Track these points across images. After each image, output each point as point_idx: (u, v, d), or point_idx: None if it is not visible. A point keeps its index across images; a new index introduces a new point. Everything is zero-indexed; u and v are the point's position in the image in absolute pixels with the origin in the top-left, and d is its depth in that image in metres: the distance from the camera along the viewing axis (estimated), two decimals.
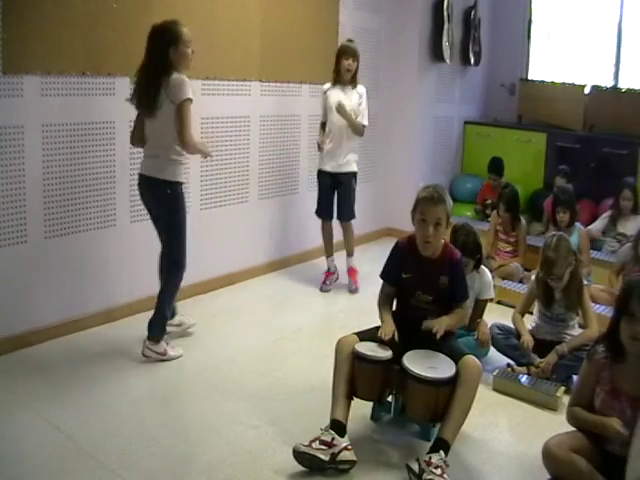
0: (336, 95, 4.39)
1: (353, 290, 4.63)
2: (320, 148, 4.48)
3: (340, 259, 4.79)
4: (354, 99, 4.41)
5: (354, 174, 4.55)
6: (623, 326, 2.24)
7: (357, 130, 4.43)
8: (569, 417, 2.44)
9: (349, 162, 4.51)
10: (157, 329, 3.35)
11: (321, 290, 4.63)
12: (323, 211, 4.63)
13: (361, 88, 4.46)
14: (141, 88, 3.19)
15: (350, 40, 4.50)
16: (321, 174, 4.58)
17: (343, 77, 4.39)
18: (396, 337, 2.68)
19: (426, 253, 2.72)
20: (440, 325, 2.64)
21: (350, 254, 4.73)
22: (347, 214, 4.61)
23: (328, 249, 4.74)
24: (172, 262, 3.37)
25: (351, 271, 4.72)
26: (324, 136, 4.48)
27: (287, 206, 5.06)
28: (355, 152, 4.58)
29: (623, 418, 2.25)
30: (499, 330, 3.50)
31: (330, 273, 4.74)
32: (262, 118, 4.70)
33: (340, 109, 4.31)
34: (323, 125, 4.54)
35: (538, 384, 3.17)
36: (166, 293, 3.39)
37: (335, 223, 4.72)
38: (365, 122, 4.45)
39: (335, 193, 4.57)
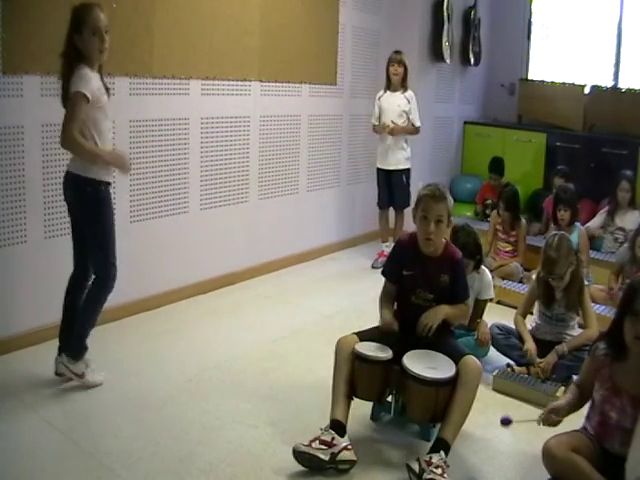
0: (386, 100, 5.06)
1: None
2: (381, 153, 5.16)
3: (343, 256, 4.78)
4: (402, 103, 5.01)
5: (405, 170, 5.14)
6: (627, 326, 2.24)
7: (413, 134, 5.13)
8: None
9: (399, 160, 5.10)
10: (75, 345, 3.00)
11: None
12: (380, 202, 5.30)
13: (409, 93, 5.06)
14: (60, 80, 2.86)
15: (397, 52, 5.09)
16: (378, 171, 5.24)
17: (392, 81, 5.03)
18: (395, 326, 2.69)
19: (427, 250, 2.72)
20: (432, 319, 2.65)
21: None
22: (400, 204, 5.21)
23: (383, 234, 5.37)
24: (98, 276, 3.00)
25: None
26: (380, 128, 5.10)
27: (287, 206, 5.06)
28: (405, 150, 5.11)
29: (623, 416, 2.25)
30: (499, 330, 3.50)
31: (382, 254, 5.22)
32: (262, 118, 4.70)
33: (394, 132, 5.00)
34: (377, 126, 5.15)
35: (538, 384, 3.17)
36: (90, 309, 3.03)
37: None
38: (417, 123, 5.09)
39: (391, 186, 5.18)
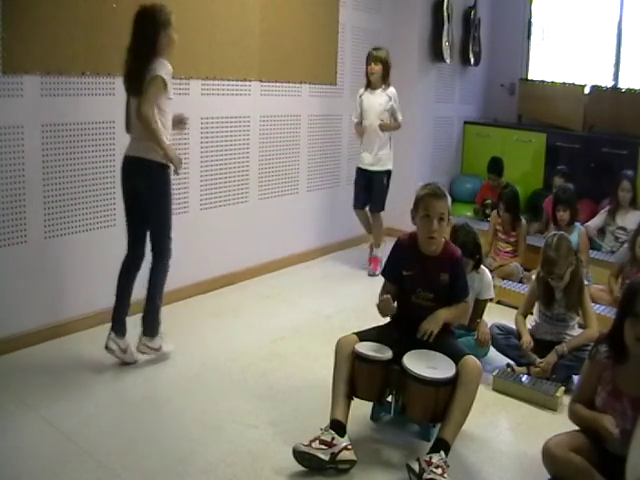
0: (367, 99, 4.90)
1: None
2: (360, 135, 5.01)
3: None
4: (383, 100, 4.85)
5: (387, 172, 5.01)
6: (627, 327, 2.23)
7: (397, 129, 5.02)
8: (570, 413, 2.44)
9: (382, 161, 4.96)
10: (152, 324, 3.29)
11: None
12: (356, 201, 5.12)
13: (391, 90, 4.89)
14: (131, 72, 3.08)
15: (376, 48, 4.91)
16: (358, 171, 5.07)
17: (370, 80, 4.87)
18: (393, 305, 2.68)
19: (430, 249, 2.72)
20: (433, 324, 2.65)
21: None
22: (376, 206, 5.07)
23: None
24: (160, 251, 3.25)
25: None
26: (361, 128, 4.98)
27: (287, 206, 5.06)
28: (389, 150, 4.99)
29: (624, 418, 2.25)
30: (499, 330, 3.50)
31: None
32: (262, 118, 4.70)
33: (382, 129, 4.88)
34: (358, 124, 5.00)
35: (538, 384, 3.17)
36: (158, 288, 3.29)
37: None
38: (400, 118, 4.95)
39: (369, 187, 5.02)
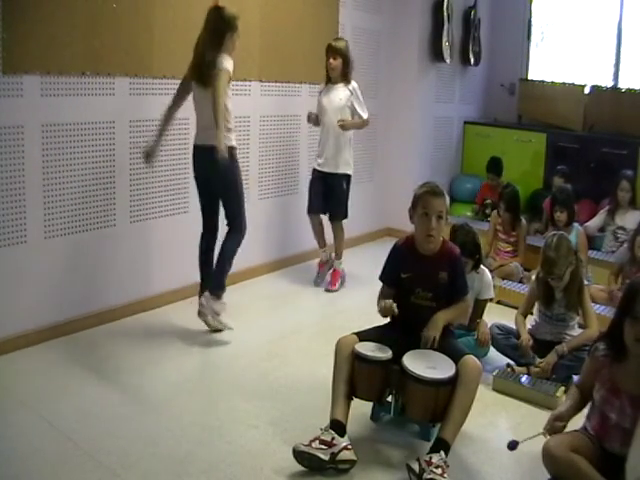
0: (326, 95, 4.50)
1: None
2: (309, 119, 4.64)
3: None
4: (343, 95, 4.46)
5: (345, 176, 4.59)
6: (627, 328, 2.23)
7: (362, 127, 4.65)
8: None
9: (340, 163, 4.55)
10: (217, 283, 3.61)
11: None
12: (311, 206, 4.68)
13: (352, 85, 4.49)
14: (202, 62, 3.43)
15: (338, 38, 4.57)
16: (313, 173, 4.66)
17: (330, 76, 4.49)
18: (395, 308, 2.67)
19: (428, 247, 2.72)
20: (434, 331, 2.65)
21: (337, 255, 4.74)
22: (336, 213, 4.66)
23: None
24: (237, 226, 3.62)
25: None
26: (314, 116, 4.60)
27: (287, 206, 5.05)
28: (348, 153, 4.58)
29: (623, 416, 2.25)
30: (499, 330, 3.50)
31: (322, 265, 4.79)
32: (262, 118, 4.70)
33: (345, 127, 4.46)
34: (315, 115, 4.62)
35: (538, 384, 3.17)
36: (228, 255, 3.63)
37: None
38: (365, 115, 4.52)
39: (327, 191, 4.60)
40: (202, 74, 3.44)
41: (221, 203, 3.66)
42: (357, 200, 5.79)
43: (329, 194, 4.58)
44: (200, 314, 3.63)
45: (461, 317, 2.97)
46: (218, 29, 3.46)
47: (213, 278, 3.65)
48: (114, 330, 3.73)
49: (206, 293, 3.60)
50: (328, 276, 4.71)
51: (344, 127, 4.44)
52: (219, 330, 3.67)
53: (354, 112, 4.50)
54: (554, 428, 2.38)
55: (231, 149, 3.47)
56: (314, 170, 4.65)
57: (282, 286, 4.68)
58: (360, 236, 5.87)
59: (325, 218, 4.72)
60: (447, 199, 2.76)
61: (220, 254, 3.64)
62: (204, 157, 3.52)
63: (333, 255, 4.74)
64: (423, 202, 2.69)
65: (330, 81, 4.52)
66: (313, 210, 4.66)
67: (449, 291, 2.76)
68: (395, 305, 2.68)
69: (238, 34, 3.53)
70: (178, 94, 3.64)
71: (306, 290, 4.62)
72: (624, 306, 2.27)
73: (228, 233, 3.64)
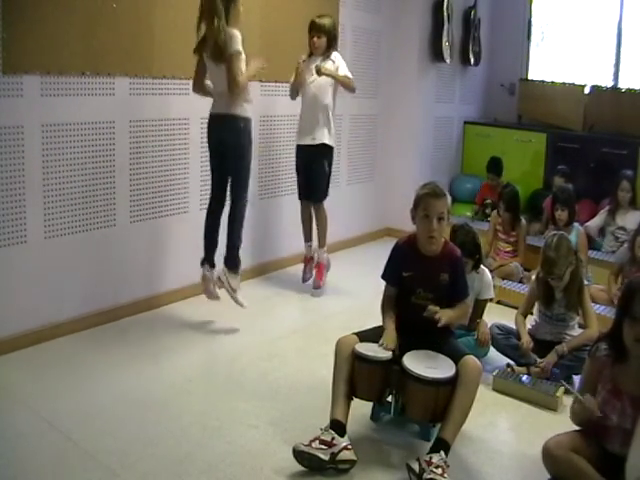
0: (307, 65, 4.25)
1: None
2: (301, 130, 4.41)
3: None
4: (328, 66, 4.24)
5: (327, 148, 4.35)
6: (626, 328, 2.23)
7: (347, 84, 4.26)
8: (571, 413, 2.43)
9: (323, 134, 4.31)
10: (234, 259, 3.74)
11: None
12: (301, 190, 4.49)
13: (334, 55, 4.30)
14: (212, 39, 3.48)
15: (322, 15, 4.30)
16: (297, 150, 4.44)
17: (314, 53, 4.32)
18: (396, 350, 2.67)
19: (430, 249, 2.72)
20: (443, 314, 2.63)
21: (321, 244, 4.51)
22: (316, 194, 4.42)
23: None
24: (238, 197, 3.71)
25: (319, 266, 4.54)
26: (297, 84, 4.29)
27: (287, 206, 5.05)
28: (329, 123, 4.33)
29: (623, 417, 2.25)
30: (499, 330, 3.50)
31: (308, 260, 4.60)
32: (262, 118, 4.69)
33: (321, 70, 4.14)
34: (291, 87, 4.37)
35: (538, 384, 3.17)
36: (237, 228, 3.75)
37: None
38: (350, 75, 4.27)
39: (307, 168, 4.37)
40: (213, 52, 3.50)
41: (231, 169, 3.71)
42: (357, 200, 5.82)
43: (310, 170, 4.34)
44: (204, 282, 3.82)
45: (461, 318, 2.97)
46: (220, 4, 3.48)
47: (227, 253, 3.75)
48: (114, 330, 3.73)
49: (223, 268, 3.72)
50: (314, 273, 4.54)
51: (319, 72, 4.13)
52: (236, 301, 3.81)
53: (336, 86, 4.27)
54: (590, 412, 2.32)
55: (245, 120, 3.62)
56: (297, 147, 4.42)
57: (282, 286, 4.68)
58: (360, 236, 5.87)
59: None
60: (449, 199, 2.76)
61: (229, 231, 3.74)
62: (218, 125, 3.66)
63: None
64: (424, 203, 2.69)
65: (313, 54, 4.31)
66: (302, 196, 4.50)
67: (450, 292, 2.76)
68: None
69: (240, 2, 3.57)
70: (197, 74, 3.72)
71: (306, 290, 4.62)
72: (623, 306, 2.27)
73: (232, 207, 3.74)
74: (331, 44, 4.28)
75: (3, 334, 3.33)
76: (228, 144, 3.65)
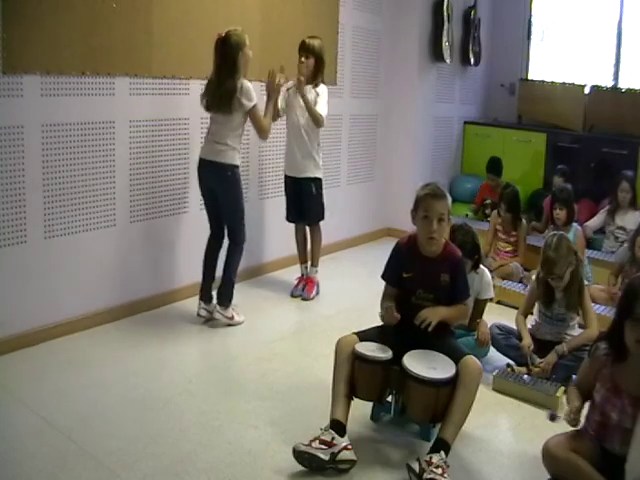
0: (294, 94, 4.20)
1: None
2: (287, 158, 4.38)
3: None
4: (311, 97, 4.12)
5: (315, 180, 4.32)
6: (627, 330, 2.22)
7: (316, 120, 4.13)
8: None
9: (308, 168, 4.29)
10: (227, 295, 3.83)
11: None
12: (289, 214, 4.50)
13: (321, 87, 4.19)
14: (216, 91, 3.61)
15: (312, 36, 4.20)
16: (285, 179, 4.44)
17: (301, 72, 4.14)
18: (397, 317, 2.67)
19: (430, 250, 2.72)
20: (434, 315, 2.63)
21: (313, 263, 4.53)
22: (312, 217, 4.43)
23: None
24: (235, 237, 3.83)
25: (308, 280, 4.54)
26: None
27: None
28: (315, 156, 4.29)
29: (623, 416, 2.25)
30: (499, 330, 3.50)
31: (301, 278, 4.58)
32: None
33: (298, 87, 4.07)
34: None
35: (538, 384, 3.17)
36: (233, 267, 3.85)
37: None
38: (323, 112, 4.13)
39: (299, 197, 4.37)
40: (221, 104, 3.61)
41: (223, 216, 3.84)
42: (357, 200, 5.82)
43: (302, 199, 4.35)
44: (200, 315, 3.90)
45: (460, 318, 2.96)
46: (229, 56, 3.58)
47: (222, 290, 3.84)
48: (114, 330, 3.73)
49: (217, 307, 3.83)
50: (302, 285, 4.51)
51: (300, 86, 4.05)
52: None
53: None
54: (575, 421, 2.34)
55: (234, 167, 3.72)
56: (285, 176, 4.42)
57: (282, 286, 4.68)
58: (360, 236, 5.87)
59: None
60: (449, 200, 2.75)
61: (225, 267, 3.85)
62: (209, 171, 3.74)
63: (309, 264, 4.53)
64: (424, 205, 2.69)
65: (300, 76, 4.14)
66: (291, 219, 4.50)
67: (450, 293, 2.75)
68: (398, 315, 2.68)
69: (248, 47, 3.65)
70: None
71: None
72: (624, 307, 2.26)
73: (229, 246, 3.86)
74: (319, 68, 4.17)
75: (3, 334, 3.32)
76: (217, 192, 3.76)
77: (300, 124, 4.23)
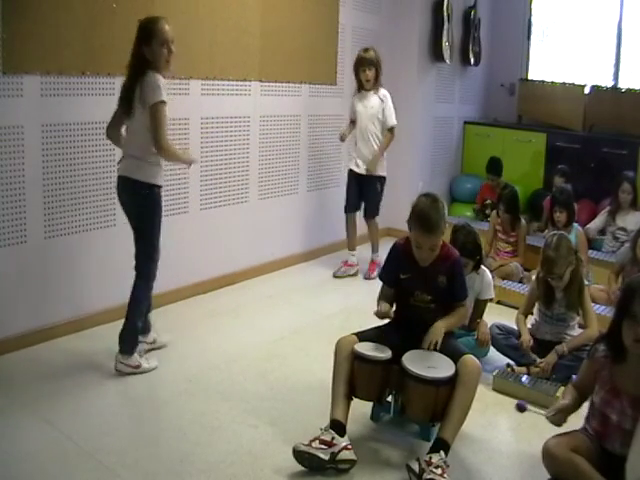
0: (360, 102, 4.77)
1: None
2: (341, 139, 4.91)
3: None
4: (375, 104, 4.72)
5: (380, 178, 4.86)
6: (625, 329, 2.22)
7: (391, 141, 4.81)
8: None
9: (375, 166, 4.79)
10: (129, 342, 3.19)
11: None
12: (348, 205, 4.98)
13: (382, 91, 4.75)
14: (123, 87, 3.10)
15: (366, 49, 4.71)
16: (350, 173, 4.92)
17: (364, 86, 4.74)
18: (391, 313, 2.70)
19: (424, 265, 2.73)
20: (435, 336, 2.64)
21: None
22: (370, 212, 4.97)
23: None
24: (141, 271, 3.22)
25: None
26: (347, 130, 4.87)
27: (287, 206, 5.06)
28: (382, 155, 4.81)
29: (623, 417, 2.25)
30: (499, 330, 3.50)
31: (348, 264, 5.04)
32: (262, 118, 4.70)
33: (372, 169, 4.76)
34: (352, 122, 4.87)
35: (538, 384, 3.17)
36: (137, 307, 3.22)
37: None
38: (390, 122, 4.75)
39: (362, 192, 4.90)
40: (125, 102, 3.05)
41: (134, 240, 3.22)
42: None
43: (364, 194, 4.87)
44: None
45: (460, 322, 2.96)
46: (138, 44, 3.03)
47: (123, 334, 3.19)
48: (113, 330, 3.72)
49: (118, 355, 3.18)
50: (366, 265, 5.02)
51: (374, 163, 4.73)
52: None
53: (384, 121, 4.74)
54: (557, 419, 2.37)
55: (154, 187, 3.12)
56: (350, 170, 4.90)
57: (282, 286, 4.68)
58: (360, 236, 5.86)
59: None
60: (444, 222, 2.67)
61: (129, 306, 3.22)
62: (125, 189, 3.15)
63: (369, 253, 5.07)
64: (416, 236, 2.67)
65: (363, 88, 4.76)
66: (349, 209, 4.96)
67: (448, 295, 2.76)
68: (392, 310, 2.68)
69: (165, 39, 3.02)
70: (113, 117, 3.19)
71: (306, 290, 4.63)
72: (622, 307, 2.26)
73: (134, 280, 3.23)
74: (378, 74, 4.70)
75: (3, 334, 3.32)
76: (130, 210, 3.20)
77: (368, 129, 4.76)
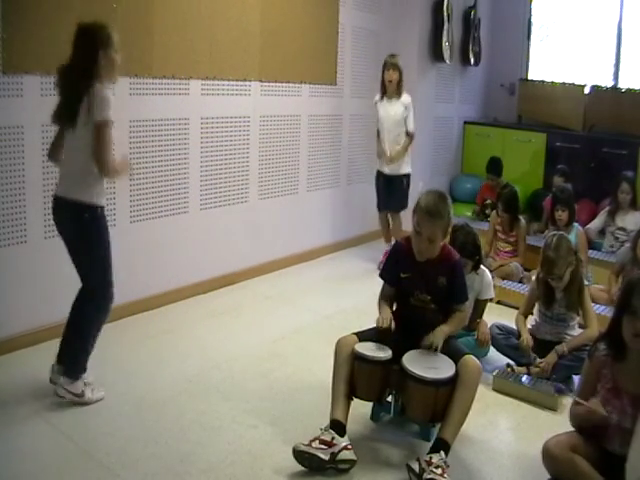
0: (383, 107, 5.04)
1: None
2: (381, 157, 5.15)
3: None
4: (399, 110, 4.96)
5: (406, 175, 5.14)
6: (625, 324, 2.23)
7: (410, 144, 5.09)
8: (570, 416, 2.43)
9: (400, 166, 5.07)
10: (76, 366, 2.89)
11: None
12: (380, 205, 5.30)
13: (406, 98, 4.99)
14: (63, 99, 2.80)
15: (392, 55, 5.02)
16: (378, 174, 5.23)
17: (387, 89, 4.97)
18: (392, 325, 2.68)
19: (420, 260, 2.72)
20: (437, 339, 2.64)
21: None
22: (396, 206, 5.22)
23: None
24: (93, 295, 2.90)
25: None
26: (380, 146, 5.13)
27: (287, 206, 5.06)
28: (406, 155, 5.08)
29: (623, 416, 2.25)
30: (499, 330, 3.50)
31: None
32: (262, 118, 4.70)
33: (393, 160, 5.02)
34: (379, 133, 5.14)
35: (538, 384, 3.17)
36: (86, 329, 2.91)
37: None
38: (410, 128, 5.01)
39: (388, 189, 5.20)
40: (68, 114, 2.76)
41: (79, 264, 2.91)
42: (357, 200, 5.81)
43: (391, 191, 5.16)
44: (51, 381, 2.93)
45: (460, 326, 2.95)
46: (92, 48, 2.77)
47: (69, 357, 2.90)
48: (113, 330, 3.72)
49: (62, 379, 2.87)
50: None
51: (392, 161, 5.00)
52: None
53: (406, 126, 5.00)
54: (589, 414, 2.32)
55: (98, 208, 2.83)
56: (377, 171, 5.21)
57: (282, 286, 4.68)
58: (360, 236, 5.87)
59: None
60: (448, 216, 2.66)
61: (78, 332, 2.90)
62: (64, 211, 2.86)
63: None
64: (418, 218, 2.66)
65: (385, 94, 5.00)
66: (380, 208, 5.27)
67: (448, 296, 2.75)
68: (392, 304, 2.69)
69: (117, 45, 2.84)
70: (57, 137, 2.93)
71: (306, 290, 4.63)
72: (622, 302, 2.27)
73: (83, 301, 2.91)
74: (401, 77, 4.97)
75: (3, 334, 3.33)
76: (69, 238, 2.89)
77: (392, 133, 5.02)
